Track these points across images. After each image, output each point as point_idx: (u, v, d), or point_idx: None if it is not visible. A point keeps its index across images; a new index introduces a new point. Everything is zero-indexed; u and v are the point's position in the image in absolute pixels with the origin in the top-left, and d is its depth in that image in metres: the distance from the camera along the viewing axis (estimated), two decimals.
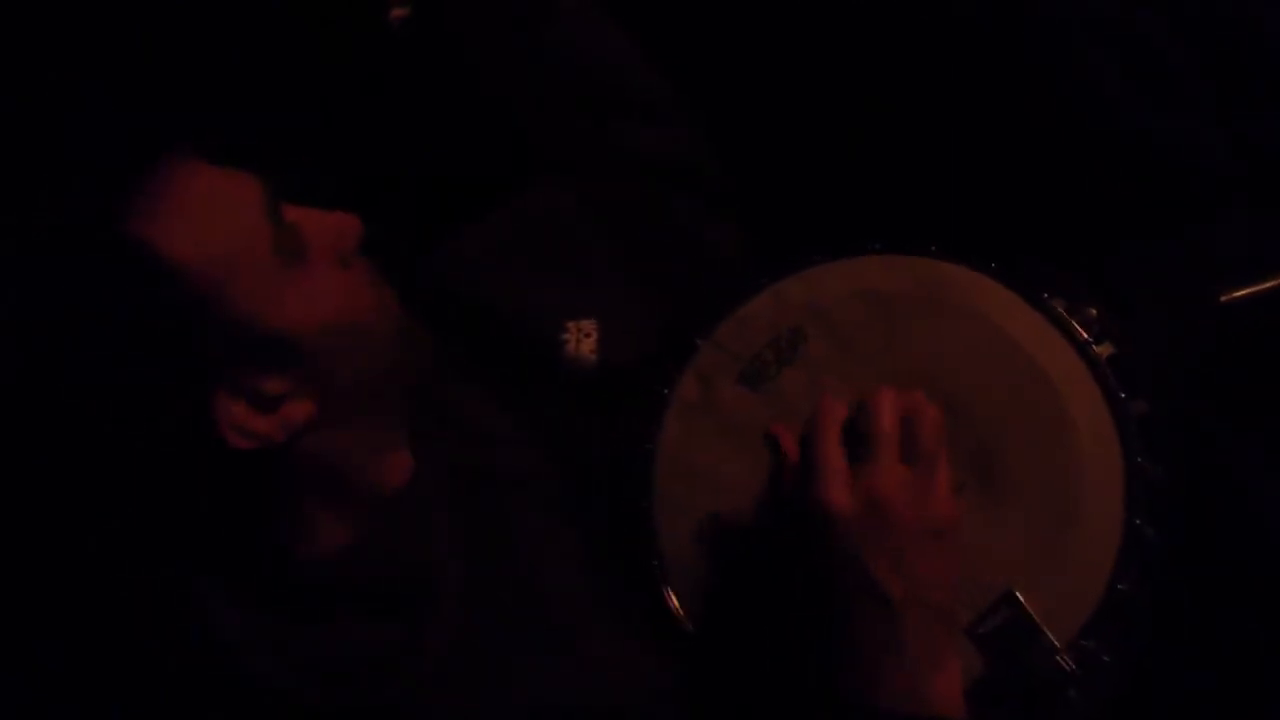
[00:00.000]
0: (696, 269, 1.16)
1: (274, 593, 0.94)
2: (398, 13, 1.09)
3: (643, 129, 1.20)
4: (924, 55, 1.22)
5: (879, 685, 0.87)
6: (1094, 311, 1.00)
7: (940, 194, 1.20)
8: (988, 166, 1.20)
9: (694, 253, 1.18)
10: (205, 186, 0.91)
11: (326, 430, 0.93)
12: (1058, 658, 0.91)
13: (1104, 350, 0.98)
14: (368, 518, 0.96)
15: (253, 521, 0.94)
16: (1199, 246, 1.16)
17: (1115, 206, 1.17)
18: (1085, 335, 0.98)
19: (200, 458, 0.90)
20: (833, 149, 1.26)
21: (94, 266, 0.88)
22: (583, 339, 1.11)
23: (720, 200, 1.21)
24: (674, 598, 0.98)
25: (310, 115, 1.29)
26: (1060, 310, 0.99)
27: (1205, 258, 1.14)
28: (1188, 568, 0.94)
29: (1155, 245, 1.15)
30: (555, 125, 1.21)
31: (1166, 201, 1.14)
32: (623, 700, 0.94)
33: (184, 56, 1.25)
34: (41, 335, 0.89)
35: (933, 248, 1.02)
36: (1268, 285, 1.08)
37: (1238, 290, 1.08)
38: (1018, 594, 0.92)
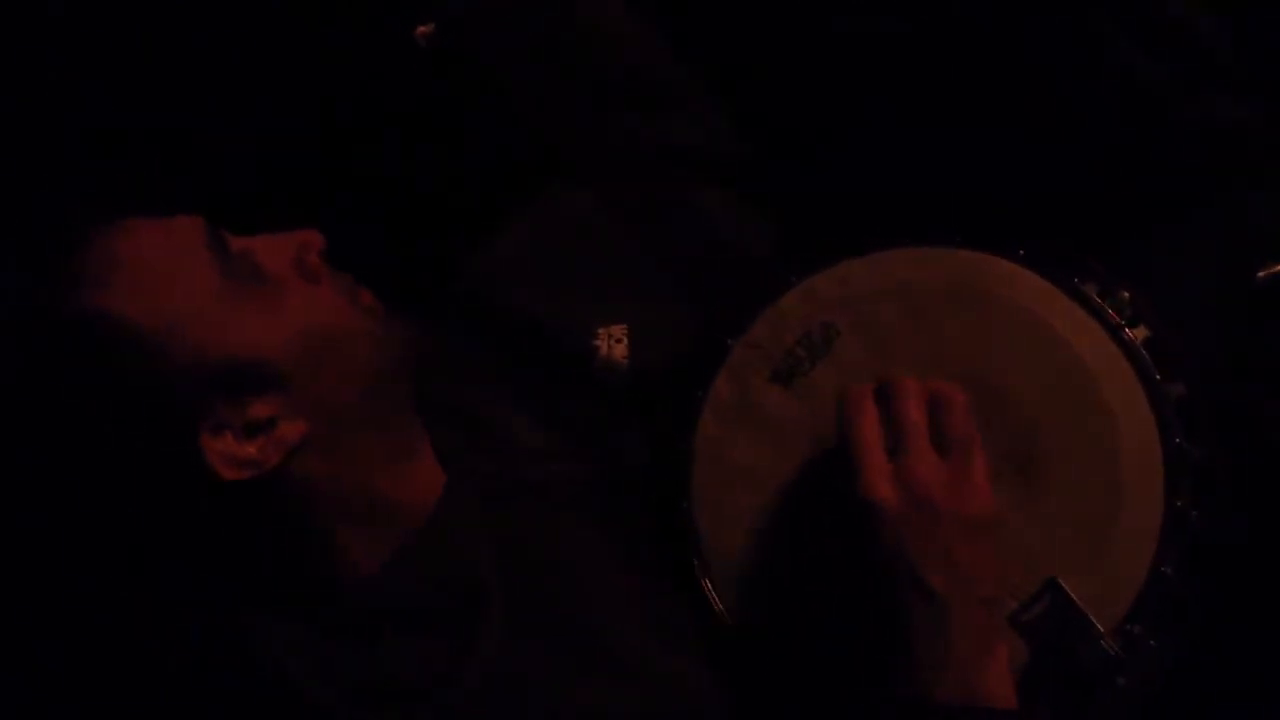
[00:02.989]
0: (726, 268, 1.15)
1: (321, 618, 0.94)
2: (422, 30, 1.10)
3: (669, 123, 1.20)
4: (926, 45, 1.21)
5: (929, 679, 0.87)
6: (1127, 295, 0.99)
7: (958, 192, 1.19)
8: (1002, 163, 1.19)
9: (723, 252, 1.17)
10: (143, 244, 0.91)
11: (330, 449, 0.93)
12: (1103, 643, 0.91)
13: (1139, 334, 0.98)
14: (402, 536, 0.97)
15: (290, 551, 0.95)
16: (1232, 226, 1.14)
17: (1138, 190, 1.16)
18: (1119, 319, 0.98)
19: (211, 497, 0.90)
20: (838, 145, 1.25)
21: (47, 349, 0.89)
22: (614, 344, 1.11)
23: (750, 198, 1.21)
24: (715, 596, 0.98)
25: (330, 128, 1.30)
26: (1093, 294, 0.99)
27: (1240, 236, 1.13)
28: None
29: (1186, 227, 1.14)
30: (576, 124, 1.21)
31: (1192, 183, 1.13)
32: (667, 713, 0.94)
33: (188, 64, 1.26)
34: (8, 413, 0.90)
35: (958, 237, 1.02)
36: None
37: (1274, 267, 1.07)
38: (1060, 581, 0.92)
